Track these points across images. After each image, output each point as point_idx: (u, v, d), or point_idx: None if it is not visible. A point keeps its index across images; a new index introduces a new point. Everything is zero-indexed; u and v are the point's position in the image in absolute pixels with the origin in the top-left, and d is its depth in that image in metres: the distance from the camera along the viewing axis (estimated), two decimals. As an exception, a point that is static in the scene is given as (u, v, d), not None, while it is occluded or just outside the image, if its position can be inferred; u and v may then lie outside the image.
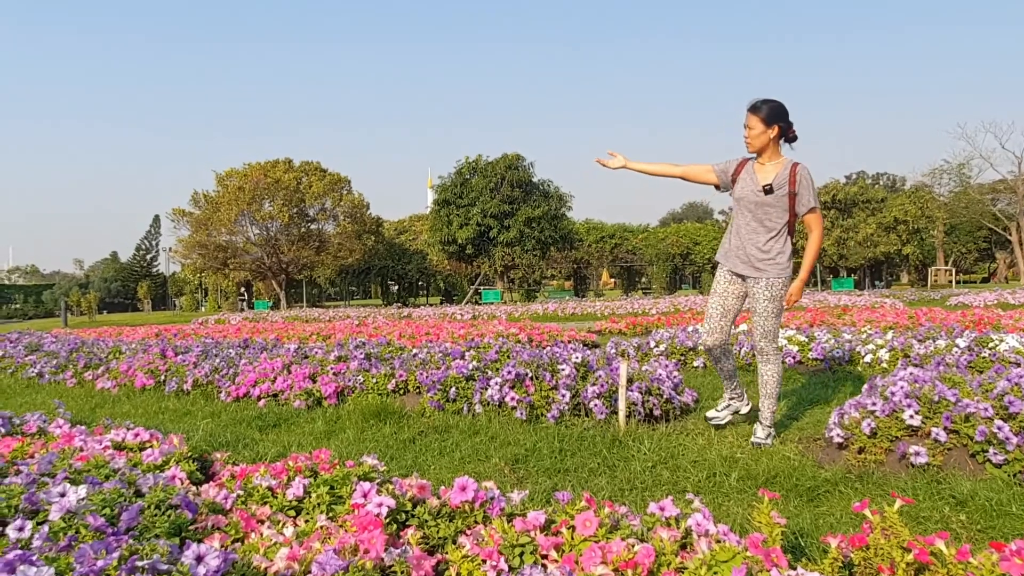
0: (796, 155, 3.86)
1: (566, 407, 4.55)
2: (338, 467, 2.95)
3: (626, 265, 52.69)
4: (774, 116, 3.73)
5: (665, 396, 4.71)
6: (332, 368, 5.69)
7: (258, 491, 2.70)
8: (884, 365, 6.25)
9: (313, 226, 38.82)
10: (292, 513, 2.56)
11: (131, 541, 1.90)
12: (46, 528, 1.98)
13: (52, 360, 7.47)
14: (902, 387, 3.53)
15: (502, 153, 37.64)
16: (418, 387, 5.27)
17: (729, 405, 4.23)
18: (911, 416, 3.36)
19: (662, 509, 2.24)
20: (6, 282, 79.66)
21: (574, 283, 53.01)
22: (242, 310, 50.38)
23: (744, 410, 4.25)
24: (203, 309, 54.59)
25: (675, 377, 5.00)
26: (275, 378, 5.73)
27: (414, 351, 6.23)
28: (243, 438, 4.43)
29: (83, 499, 2.20)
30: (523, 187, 37.45)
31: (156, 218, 75.64)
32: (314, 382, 5.53)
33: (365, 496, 2.44)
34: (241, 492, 2.71)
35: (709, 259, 45.33)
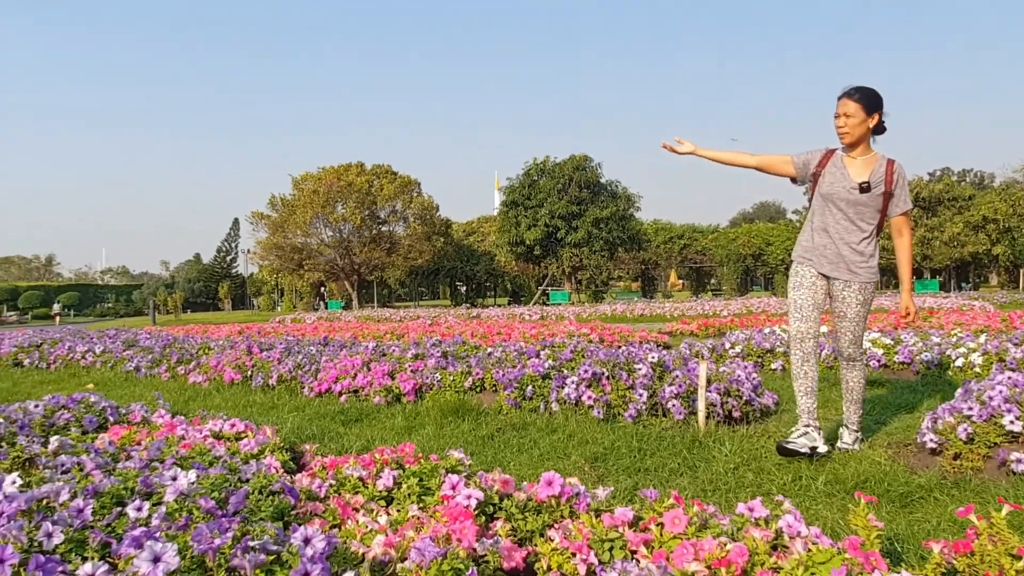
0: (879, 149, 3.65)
1: (643, 407, 4.53)
2: (423, 460, 3.04)
3: (695, 266, 51.78)
4: (874, 104, 3.43)
5: (744, 398, 4.64)
6: (410, 366, 5.83)
7: (350, 481, 2.81)
8: (977, 369, 5.97)
9: (384, 228, 39.67)
10: (383, 503, 2.65)
11: (240, 523, 2.01)
12: (163, 509, 2.12)
13: (148, 355, 7.90)
14: (1001, 391, 3.38)
15: (569, 154, 37.65)
16: (494, 385, 5.34)
17: (806, 433, 3.56)
18: (1011, 422, 3.21)
19: (751, 510, 2.22)
20: (99, 282, 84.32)
21: (642, 284, 52.45)
22: (316, 309, 51.94)
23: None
24: (279, 309, 56.51)
25: (754, 379, 4.91)
26: (355, 375, 5.90)
27: (488, 350, 6.31)
28: (328, 432, 4.59)
29: (193, 483, 2.34)
30: (591, 188, 37.31)
31: (235, 221, 78.79)
32: (393, 379, 5.67)
33: (454, 488, 2.51)
34: (333, 482, 2.82)
35: (782, 260, 44.06)
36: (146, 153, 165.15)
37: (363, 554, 2.11)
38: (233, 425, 3.72)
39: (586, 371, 4.78)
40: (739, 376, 4.82)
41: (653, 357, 5.04)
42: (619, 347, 6.30)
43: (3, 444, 3.26)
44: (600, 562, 2.01)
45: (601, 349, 5.63)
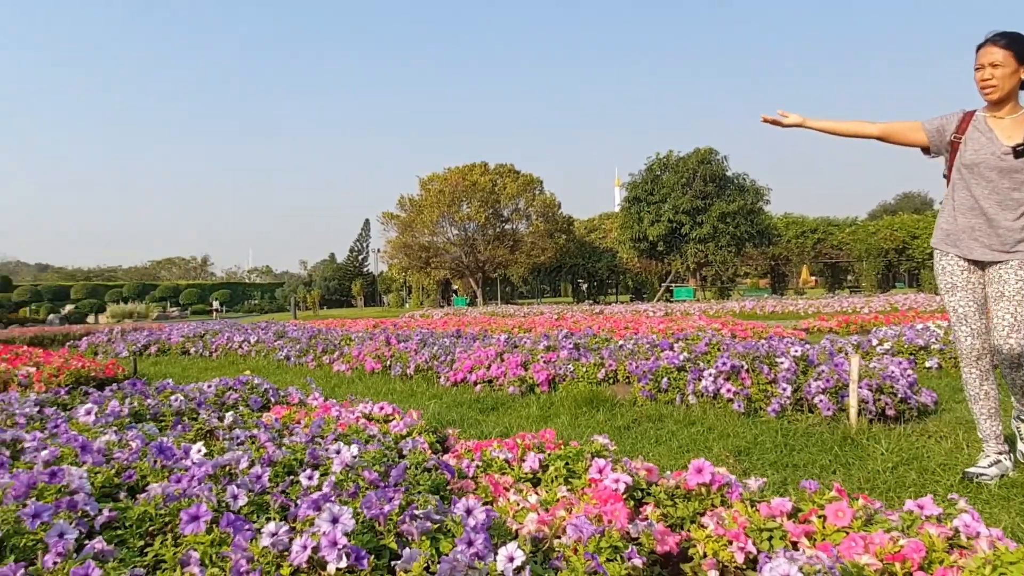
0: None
1: (787, 401, 4.35)
2: (563, 446, 3.08)
3: (830, 261, 48.91)
4: None
5: (900, 395, 4.34)
6: (543, 357, 5.90)
7: (496, 463, 2.89)
8: None
9: (507, 226, 40.27)
10: (529, 484, 2.70)
11: (403, 494, 2.12)
12: (332, 478, 2.28)
13: (296, 345, 8.46)
14: None
15: (694, 148, 36.62)
16: (627, 376, 5.30)
17: (998, 462, 3.08)
18: None
19: (921, 507, 2.09)
20: (247, 281, 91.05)
21: (771, 281, 50.16)
22: (442, 306, 53.56)
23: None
24: (407, 305, 58.74)
25: (909, 375, 4.59)
26: (489, 365, 6.04)
27: (619, 342, 6.28)
28: (466, 418, 4.73)
29: (356, 456, 2.49)
30: (716, 181, 36.12)
31: (367, 222, 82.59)
32: (526, 370, 5.76)
33: (600, 472, 2.52)
34: (480, 463, 2.92)
35: (930, 255, 40.76)
36: (285, 159, 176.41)
37: (516, 530, 2.17)
38: (382, 408, 3.92)
39: (724, 364, 4.65)
40: (893, 372, 4.52)
41: (796, 351, 4.82)
42: (757, 341, 6.07)
43: (186, 418, 3.61)
44: (759, 551, 1.95)
45: (737, 342, 5.46)
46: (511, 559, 1.70)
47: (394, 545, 1.86)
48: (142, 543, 2.13)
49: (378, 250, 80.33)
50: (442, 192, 37.13)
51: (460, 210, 37.78)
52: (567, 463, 2.71)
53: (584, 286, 50.46)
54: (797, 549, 1.95)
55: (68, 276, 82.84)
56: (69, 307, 45.41)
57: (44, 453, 2.71)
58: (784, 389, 4.39)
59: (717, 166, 36.22)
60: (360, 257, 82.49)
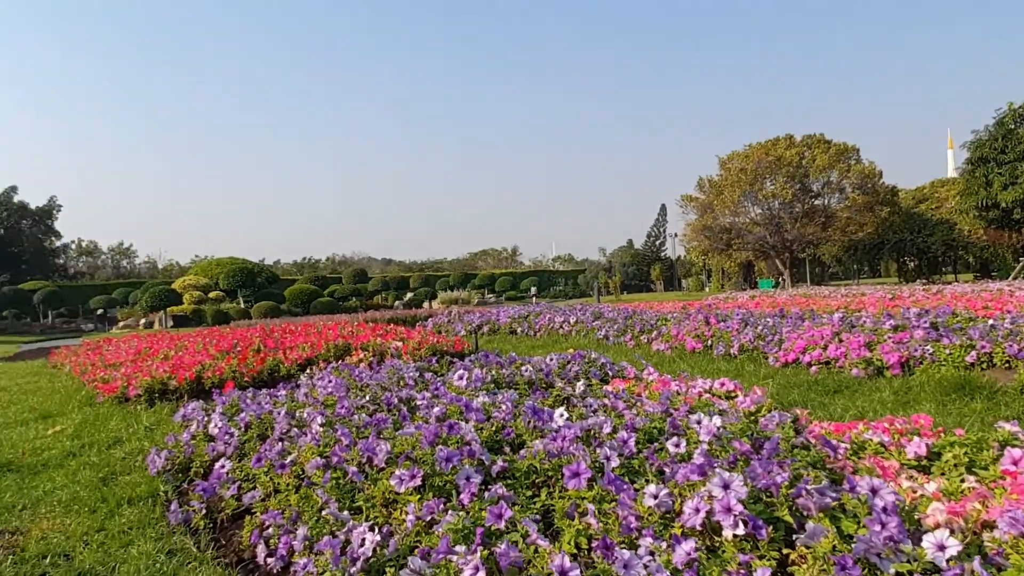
0: None
1: None
2: (944, 434, 2.70)
3: None
4: None
5: None
6: (890, 337, 5.27)
7: (870, 445, 2.63)
8: None
9: (818, 201, 37.00)
10: (915, 471, 2.41)
11: (784, 467, 2.02)
12: (704, 446, 2.26)
13: (613, 325, 8.71)
14: None
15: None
16: (1008, 361, 4.50)
17: None
18: None
19: None
20: (551, 268, 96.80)
21: None
22: (744, 289, 51.27)
23: None
24: (707, 289, 57.34)
25: None
26: (825, 346, 5.58)
27: (990, 321, 5.36)
28: (808, 400, 4.42)
29: (720, 427, 2.45)
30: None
31: (663, 207, 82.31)
32: (871, 351, 5.20)
33: (1016, 463, 2.14)
34: (848, 444, 2.67)
35: None
36: (583, 153, 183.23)
37: (919, 518, 1.93)
38: (723, 384, 3.82)
39: None
40: None
41: None
42: None
43: (536, 387, 3.91)
44: None
45: None
46: (941, 547, 1.50)
47: (789, 518, 1.77)
48: (529, 492, 2.33)
49: (675, 234, 79.65)
50: (744, 170, 35.37)
51: (764, 187, 35.64)
52: (966, 451, 2.35)
53: (911, 264, 44.45)
54: None
55: (407, 268, 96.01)
56: (409, 294, 52.50)
57: (436, 410, 3.12)
58: None
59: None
60: (657, 242, 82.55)
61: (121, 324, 36.10)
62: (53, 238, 61.91)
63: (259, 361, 6.24)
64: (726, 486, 1.78)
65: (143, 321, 35.16)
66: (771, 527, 1.73)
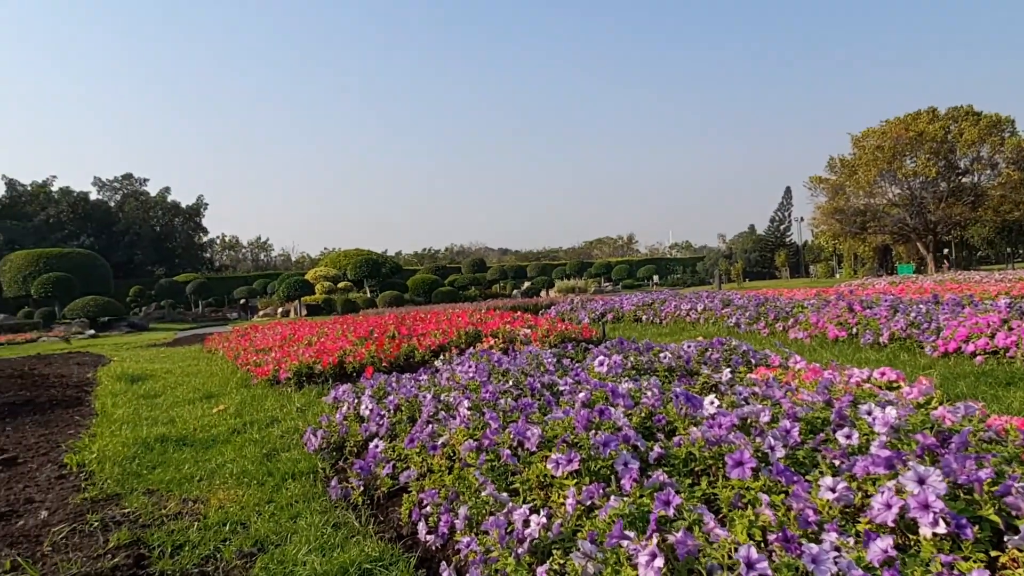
0: None
1: None
2: None
3: None
4: None
5: None
6: (1073, 325, 4.75)
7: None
8: None
9: (966, 179, 34.03)
10: None
11: (973, 462, 1.86)
12: (883, 438, 2.11)
13: (744, 312, 8.39)
14: None
15: None
16: None
17: None
18: None
19: None
20: (668, 256, 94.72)
21: None
22: (880, 275, 48.05)
23: None
24: (838, 275, 54.20)
25: None
26: (993, 334, 5.11)
27: None
28: (978, 393, 4.07)
29: (897, 418, 2.29)
30: None
31: (787, 190, 78.53)
32: (1050, 340, 4.71)
33: None
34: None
35: None
36: (698, 135, 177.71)
37: None
38: (883, 374, 3.58)
39: None
40: None
41: None
42: None
43: (677, 374, 3.81)
44: None
45: None
46: None
47: (995, 517, 1.62)
48: (688, 480, 2.28)
49: (801, 219, 75.86)
50: (880, 148, 33.04)
51: (903, 166, 33.16)
52: None
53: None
54: None
55: (523, 257, 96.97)
56: (527, 283, 53.02)
57: (581, 395, 3.11)
58: None
59: None
60: (782, 227, 78.89)
61: (261, 313, 38.66)
62: (201, 234, 67.16)
63: (395, 347, 6.48)
64: (921, 481, 1.65)
65: (280, 310, 37.49)
66: (975, 526, 1.59)
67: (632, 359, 4.09)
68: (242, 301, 48.83)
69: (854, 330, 6.49)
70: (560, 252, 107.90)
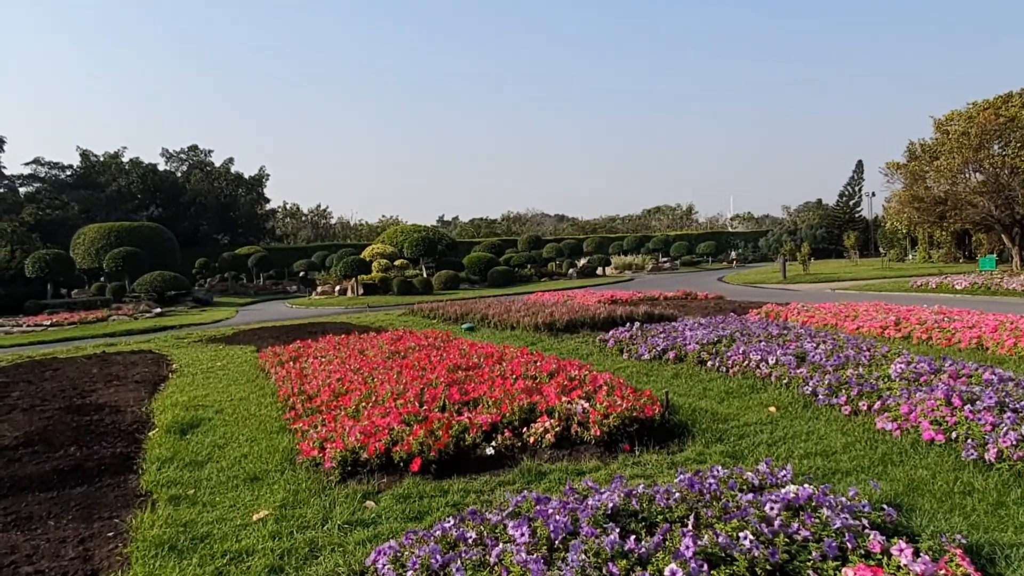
0: None
1: None
2: None
3: None
4: None
5: None
6: None
7: None
8: None
9: (1061, 167, 31.58)
10: None
11: None
12: None
13: (823, 377, 7.73)
14: None
15: None
16: None
17: None
18: None
19: None
20: (729, 229, 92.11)
21: None
22: (958, 260, 45.60)
23: None
24: (910, 258, 51.73)
25: None
26: None
27: None
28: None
29: None
30: None
31: (859, 164, 75.20)
32: None
33: None
34: None
35: None
36: (768, 95, 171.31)
37: None
38: None
39: None
40: None
41: None
42: None
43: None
44: None
45: None
46: None
47: None
48: None
49: (873, 194, 72.59)
50: (966, 133, 30.87)
51: (991, 153, 30.95)
52: None
53: None
54: None
55: (580, 229, 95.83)
56: (583, 260, 52.28)
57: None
58: None
59: None
60: (851, 203, 75.78)
61: (319, 290, 39.18)
62: (263, 203, 68.41)
63: (445, 431, 6.14)
64: None
65: (337, 288, 37.91)
66: None
67: (707, 540, 3.61)
68: (301, 274, 49.68)
69: (953, 434, 5.82)
70: (619, 221, 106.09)
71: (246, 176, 64.36)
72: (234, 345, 16.51)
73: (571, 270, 48.21)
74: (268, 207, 70.41)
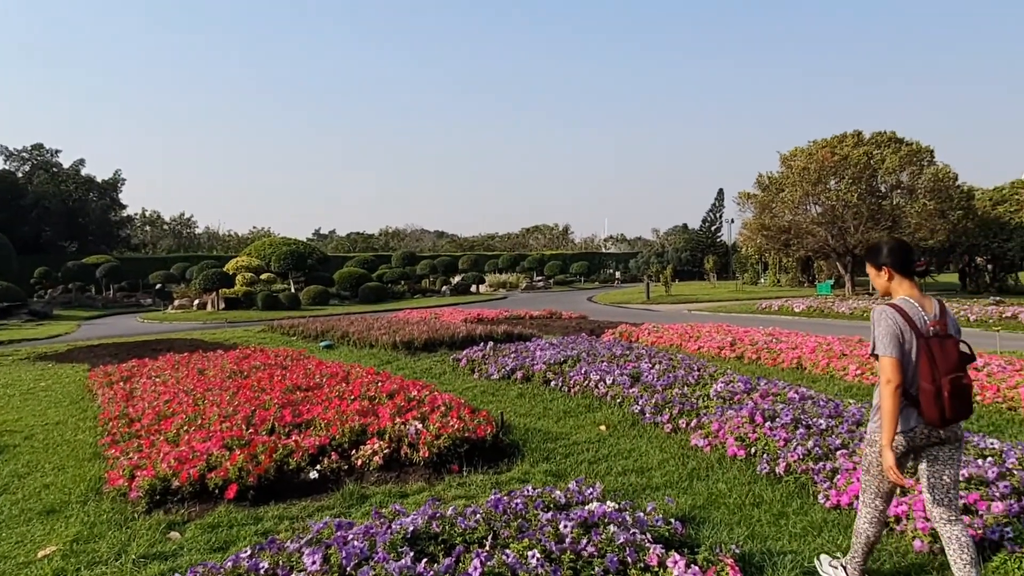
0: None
1: None
2: None
3: None
4: None
5: None
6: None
7: None
8: None
9: (885, 203, 35.18)
10: None
11: None
12: None
13: (652, 396, 8.14)
14: None
15: None
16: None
17: None
18: None
19: None
20: (603, 250, 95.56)
21: None
22: (802, 283, 49.55)
23: None
24: (762, 281, 55.67)
25: None
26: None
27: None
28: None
29: None
30: None
31: (720, 191, 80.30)
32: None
33: None
34: None
35: None
36: (644, 123, 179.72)
37: None
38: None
39: None
40: None
41: None
42: None
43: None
44: None
45: None
46: None
47: None
48: None
49: (731, 220, 77.49)
50: (807, 169, 33.77)
51: (827, 188, 34.01)
52: None
53: (988, 266, 41.82)
54: None
55: (457, 246, 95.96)
56: (457, 278, 52.45)
57: None
58: None
59: None
60: (713, 228, 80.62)
61: (176, 304, 37.00)
62: (117, 209, 63.80)
63: (268, 456, 5.94)
64: None
65: (196, 302, 35.94)
66: None
67: (496, 558, 3.69)
68: (158, 287, 46.62)
69: (752, 449, 6.29)
70: (497, 239, 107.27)
71: (99, 180, 59.79)
72: (65, 363, 15.24)
73: (445, 287, 48.20)
74: (124, 214, 65.73)
